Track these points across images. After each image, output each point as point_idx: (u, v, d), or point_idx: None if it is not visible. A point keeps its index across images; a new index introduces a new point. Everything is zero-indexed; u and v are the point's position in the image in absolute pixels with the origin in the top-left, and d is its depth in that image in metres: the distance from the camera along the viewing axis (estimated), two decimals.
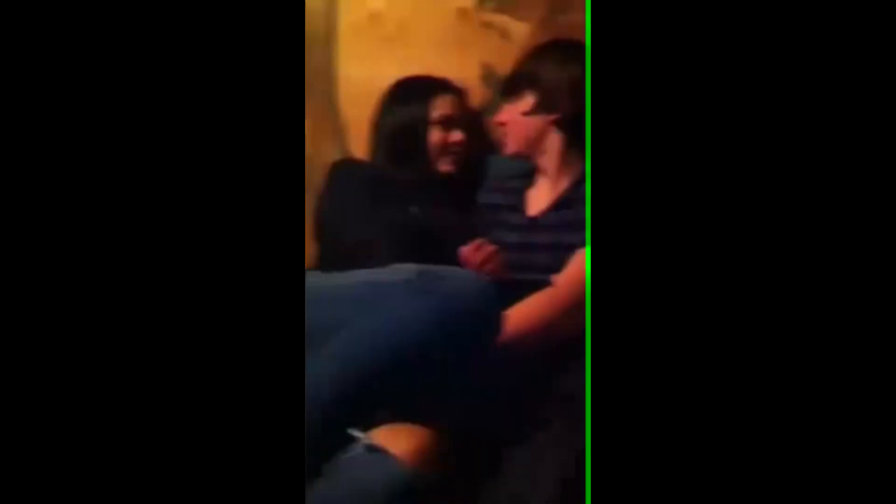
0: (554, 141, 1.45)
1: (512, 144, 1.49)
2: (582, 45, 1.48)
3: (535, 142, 1.46)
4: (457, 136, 1.53)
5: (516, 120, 1.47)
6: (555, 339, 1.26)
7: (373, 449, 1.04)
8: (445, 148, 1.52)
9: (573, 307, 1.27)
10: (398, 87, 1.58)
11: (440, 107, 1.53)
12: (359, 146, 1.66)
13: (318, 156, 1.65)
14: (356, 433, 1.05)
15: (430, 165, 1.52)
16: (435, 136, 1.52)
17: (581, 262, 1.32)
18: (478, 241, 1.31)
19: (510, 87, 1.49)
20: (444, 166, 1.53)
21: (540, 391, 1.21)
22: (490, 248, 1.30)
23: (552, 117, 1.43)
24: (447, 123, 1.53)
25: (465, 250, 1.29)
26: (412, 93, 1.56)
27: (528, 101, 1.45)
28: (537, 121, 1.45)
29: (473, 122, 1.60)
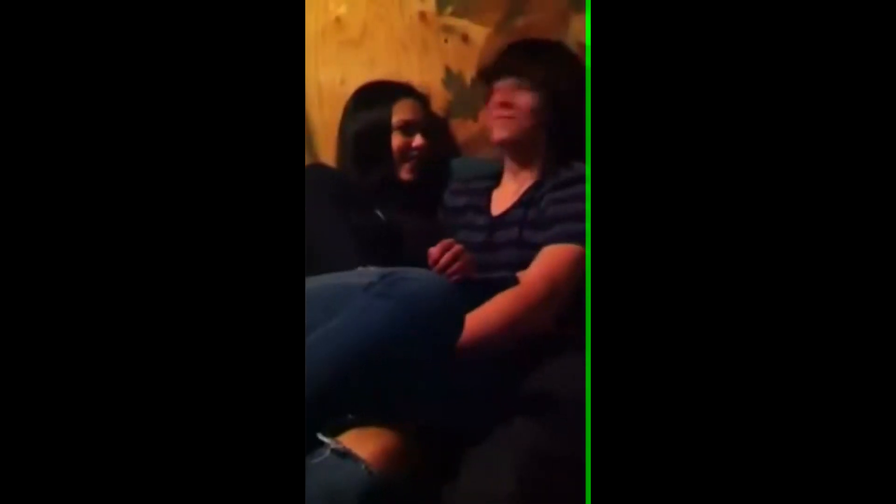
0: (540, 137, 1.45)
1: (502, 132, 1.46)
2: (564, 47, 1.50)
3: (525, 135, 1.45)
4: (418, 141, 1.54)
5: (517, 106, 1.44)
6: (522, 337, 1.28)
7: (340, 453, 1.06)
8: (406, 153, 1.53)
9: (540, 305, 1.30)
10: (361, 92, 1.59)
11: (401, 112, 1.54)
12: (326, 150, 1.68)
13: None
14: (324, 438, 1.07)
15: (392, 170, 1.53)
16: (396, 141, 1.53)
17: (546, 260, 1.34)
18: (445, 242, 1.33)
19: (513, 69, 1.46)
20: (405, 173, 1.54)
21: (506, 390, 1.23)
22: (457, 248, 1.32)
23: (549, 114, 1.43)
24: (408, 128, 1.54)
25: (433, 251, 1.31)
26: (374, 98, 1.57)
27: (532, 97, 1.44)
28: (534, 116, 1.44)
29: (435, 126, 1.61)
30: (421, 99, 1.59)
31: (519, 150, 1.48)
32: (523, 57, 1.46)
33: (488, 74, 1.50)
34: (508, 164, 1.51)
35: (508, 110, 1.44)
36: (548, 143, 1.46)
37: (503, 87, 1.45)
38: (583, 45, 1.54)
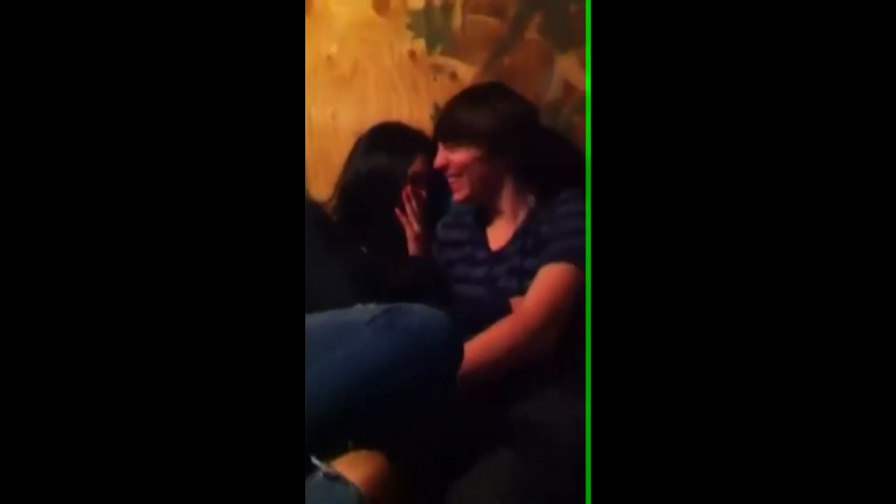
0: (509, 184, 1.47)
1: (462, 192, 1.48)
2: (502, 87, 1.53)
3: (487, 188, 1.48)
4: (421, 194, 1.54)
5: (465, 166, 1.46)
6: (523, 364, 1.29)
7: (332, 476, 1.07)
8: (410, 203, 1.53)
9: (539, 330, 1.31)
10: (380, 133, 1.59)
11: (418, 164, 1.54)
12: (315, 184, 1.70)
13: None
14: (316, 462, 1.08)
15: (392, 216, 1.53)
16: (406, 193, 1.53)
17: (543, 282, 1.34)
18: (407, 189, 1.46)
19: (449, 132, 1.48)
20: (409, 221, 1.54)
21: (498, 419, 1.25)
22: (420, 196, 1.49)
23: (505, 163, 1.46)
24: (419, 180, 1.54)
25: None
26: (388, 144, 1.57)
27: (471, 149, 1.45)
28: (488, 167, 1.46)
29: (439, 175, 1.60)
30: (431, 150, 1.57)
31: (492, 197, 1.49)
32: (460, 115, 1.47)
33: (442, 135, 1.51)
34: (494, 206, 1.51)
35: (452, 173, 1.47)
36: (519, 180, 1.47)
37: (440, 154, 1.48)
38: (569, 84, 1.58)
